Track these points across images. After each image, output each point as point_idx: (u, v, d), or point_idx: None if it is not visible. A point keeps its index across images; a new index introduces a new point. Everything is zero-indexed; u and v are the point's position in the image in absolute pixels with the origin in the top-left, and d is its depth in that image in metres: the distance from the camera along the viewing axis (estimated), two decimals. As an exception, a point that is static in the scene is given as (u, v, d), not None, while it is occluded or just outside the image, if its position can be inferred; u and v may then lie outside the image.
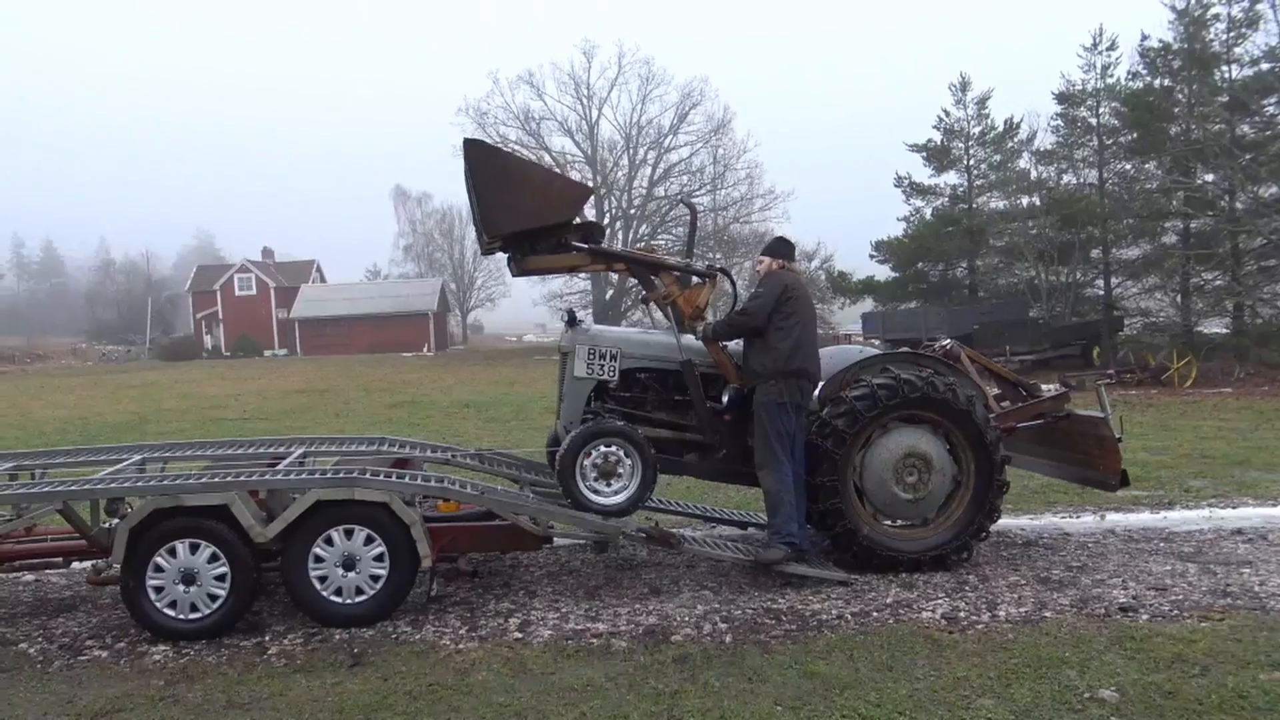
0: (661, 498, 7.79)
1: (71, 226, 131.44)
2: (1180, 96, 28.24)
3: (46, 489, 6.15)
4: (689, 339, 6.77)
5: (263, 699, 4.80)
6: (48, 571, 7.04)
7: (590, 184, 8.10)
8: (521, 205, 6.36)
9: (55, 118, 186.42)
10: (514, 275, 6.77)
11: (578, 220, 6.66)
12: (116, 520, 6.00)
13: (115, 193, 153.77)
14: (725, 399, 6.77)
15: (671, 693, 4.70)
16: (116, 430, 17.13)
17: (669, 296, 6.70)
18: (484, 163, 6.47)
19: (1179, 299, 29.02)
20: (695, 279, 6.80)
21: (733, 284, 7.18)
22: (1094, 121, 31.01)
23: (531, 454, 7.96)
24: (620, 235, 54.67)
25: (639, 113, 54.41)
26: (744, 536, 7.39)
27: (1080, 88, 31.13)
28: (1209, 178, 27.81)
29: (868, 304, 38.35)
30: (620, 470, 6.37)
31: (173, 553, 5.66)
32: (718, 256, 49.28)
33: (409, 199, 77.73)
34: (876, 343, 29.08)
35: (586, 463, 6.34)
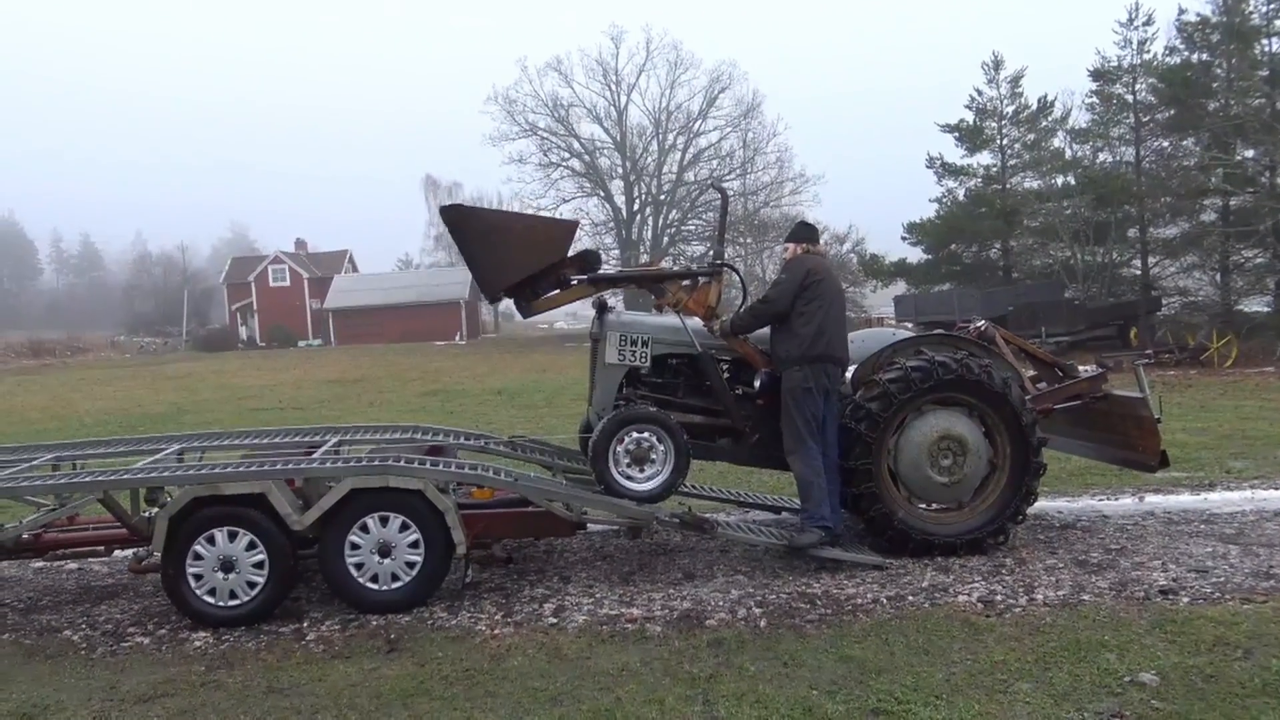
0: (695, 483, 7.79)
1: (108, 220, 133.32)
2: (1219, 71, 27.75)
3: (88, 479, 6.25)
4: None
5: (302, 684, 4.86)
6: (90, 560, 7.16)
7: (576, 219, 8.21)
8: (511, 258, 6.45)
9: (90, 110, 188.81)
10: (524, 318, 6.88)
11: (571, 254, 6.71)
12: (156, 509, 6.09)
13: (150, 186, 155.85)
14: (757, 384, 6.76)
15: (706, 677, 4.71)
16: (155, 421, 17.37)
17: (678, 303, 6.69)
18: (464, 226, 6.57)
19: (1218, 277, 28.59)
20: (701, 279, 6.78)
21: (739, 276, 7.16)
22: (1130, 98, 30.49)
23: (564, 441, 7.98)
24: (650, 221, 54.61)
25: (668, 98, 54.29)
26: (778, 521, 7.37)
27: (1116, 64, 30.61)
28: (1249, 154, 27.34)
29: (900, 287, 38.07)
30: (653, 456, 6.37)
31: (211, 541, 5.74)
32: (748, 240, 49.14)
33: (439, 188, 77.81)
34: (909, 326, 28.85)
35: (619, 449, 6.35)
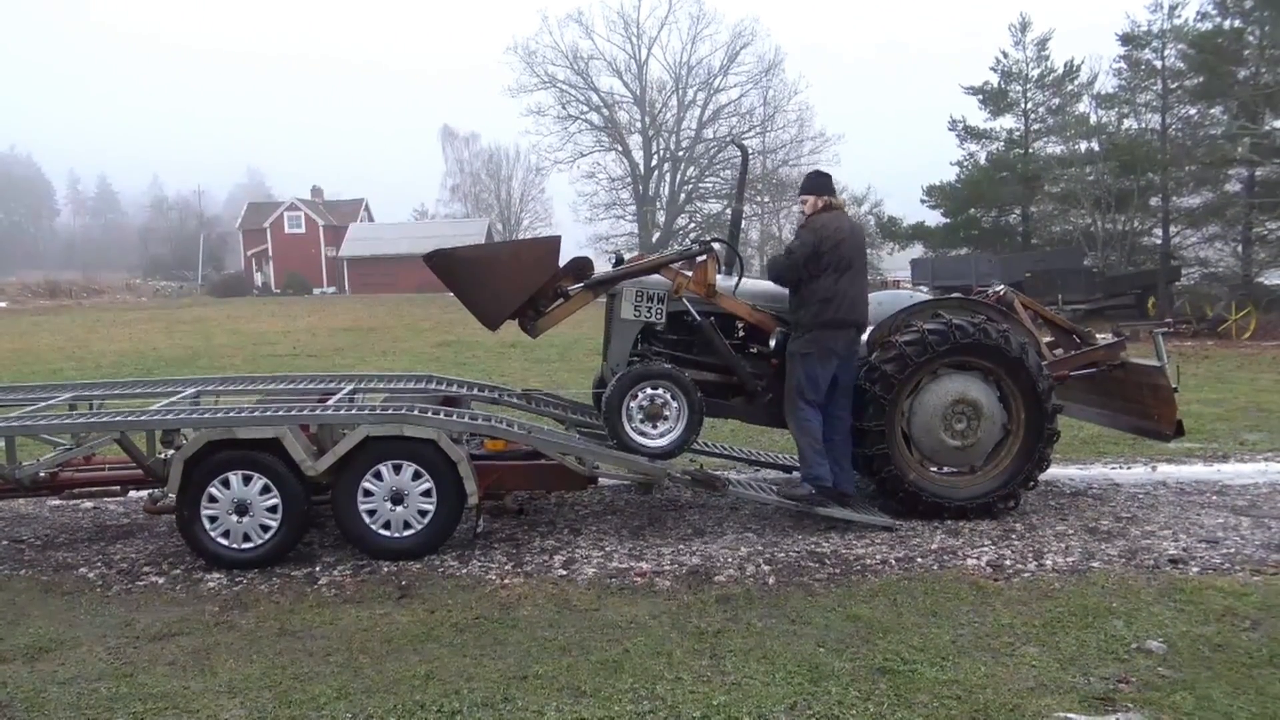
0: (707, 440, 7.80)
1: (126, 163, 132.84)
2: (1251, 38, 27.18)
3: (105, 419, 6.29)
4: (724, 285, 6.72)
5: (313, 627, 4.91)
6: (106, 499, 7.23)
7: (557, 234, 8.24)
8: (503, 289, 6.47)
9: (108, 53, 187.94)
10: (533, 338, 6.92)
11: (563, 266, 6.70)
12: (172, 451, 6.12)
13: (168, 130, 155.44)
14: (773, 344, 6.73)
15: (714, 631, 4.74)
16: (171, 364, 17.47)
17: (678, 288, 6.65)
18: (451, 269, 6.54)
19: (1240, 249, 28.26)
20: (698, 259, 6.72)
21: (735, 252, 7.11)
22: (1159, 64, 29.94)
23: (577, 395, 7.99)
24: (668, 177, 54.31)
25: (689, 52, 53.79)
26: (788, 480, 7.39)
27: (1146, 29, 30.01)
28: (1277, 124, 26.87)
29: (917, 250, 37.76)
30: (666, 413, 6.37)
31: (226, 484, 5.78)
32: (766, 200, 48.83)
33: (456, 139, 77.25)
34: (924, 289, 28.66)
35: (633, 404, 6.35)
